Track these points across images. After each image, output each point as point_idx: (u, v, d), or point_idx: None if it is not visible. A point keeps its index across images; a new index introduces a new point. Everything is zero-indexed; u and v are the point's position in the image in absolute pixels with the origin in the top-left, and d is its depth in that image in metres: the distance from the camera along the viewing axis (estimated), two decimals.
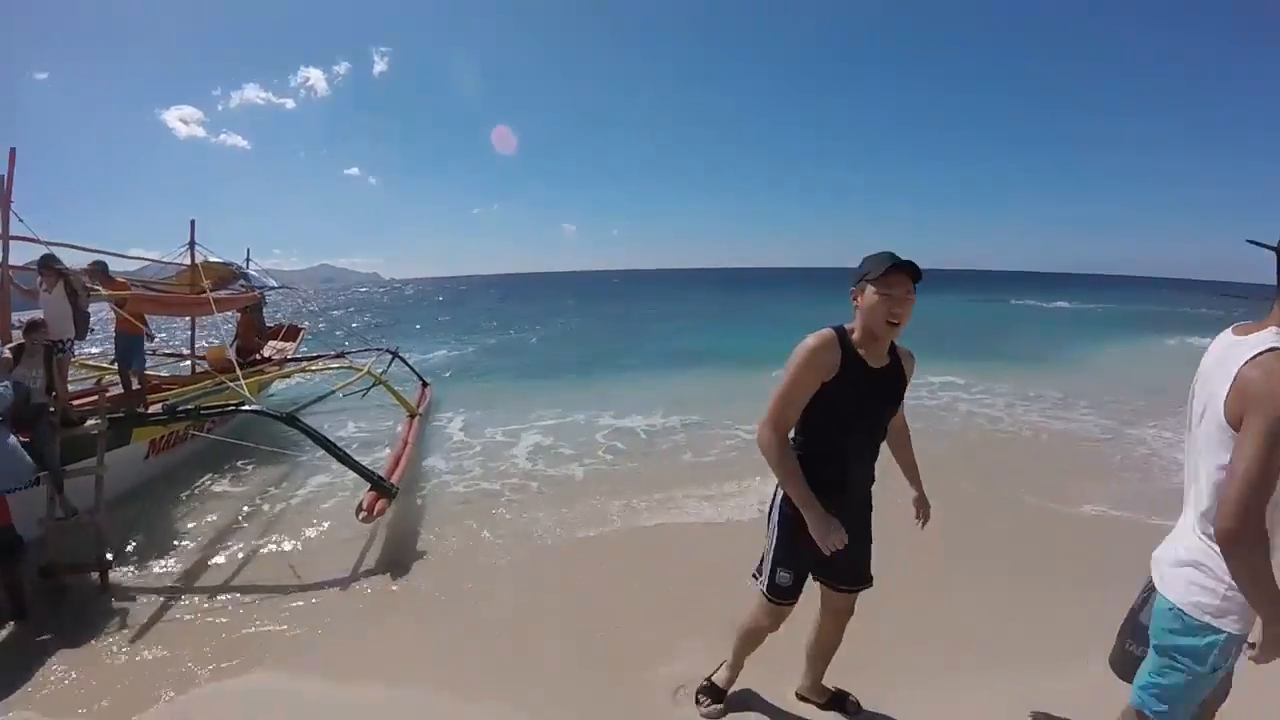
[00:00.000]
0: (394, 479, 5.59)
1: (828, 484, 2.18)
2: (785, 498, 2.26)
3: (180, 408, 6.26)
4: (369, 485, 5.29)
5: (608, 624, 3.91)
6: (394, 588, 4.57)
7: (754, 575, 2.51)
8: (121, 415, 5.70)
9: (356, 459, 5.57)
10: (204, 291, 7.66)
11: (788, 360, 2.12)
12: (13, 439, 4.18)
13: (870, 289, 2.06)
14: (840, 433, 2.18)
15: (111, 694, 3.51)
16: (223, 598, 4.48)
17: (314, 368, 10.11)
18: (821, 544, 2.09)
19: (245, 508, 6.19)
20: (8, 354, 4.58)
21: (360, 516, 4.93)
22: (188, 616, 4.26)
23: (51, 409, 4.89)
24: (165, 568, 4.93)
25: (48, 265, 5.49)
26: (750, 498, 5.96)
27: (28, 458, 4.21)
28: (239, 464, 7.24)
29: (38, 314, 5.17)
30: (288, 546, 5.27)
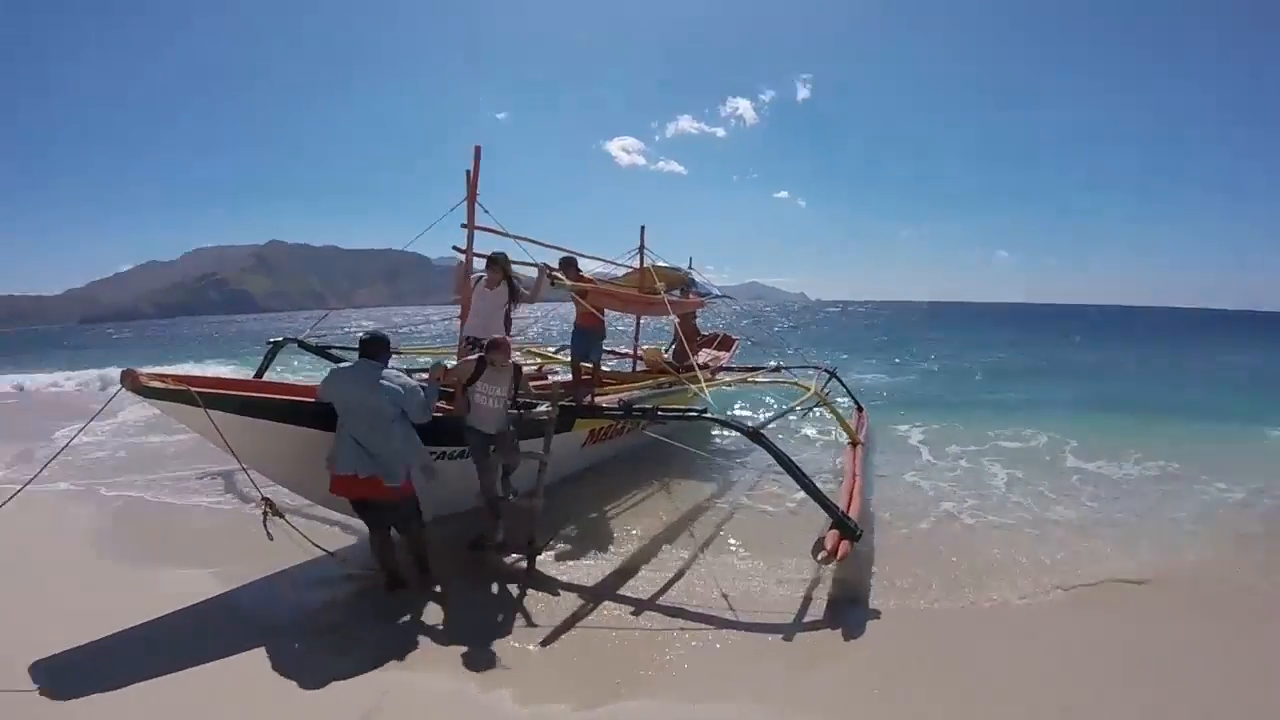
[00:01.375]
0: (851, 515, 4.52)
1: None
2: None
3: (636, 405, 6.05)
4: (830, 523, 4.38)
5: None
6: (840, 643, 3.76)
7: None
8: (571, 404, 5.85)
9: (821, 490, 4.67)
10: (656, 293, 7.78)
11: None
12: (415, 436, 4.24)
13: None
14: None
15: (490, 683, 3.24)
16: (648, 614, 4.05)
17: (754, 379, 9.71)
18: None
19: (683, 518, 5.81)
20: (444, 365, 4.70)
21: (819, 556, 4.15)
22: (602, 626, 3.90)
23: (514, 428, 4.90)
24: (592, 566, 4.74)
25: (495, 261, 5.77)
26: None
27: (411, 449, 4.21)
28: (677, 468, 7.01)
29: (498, 335, 5.10)
30: (724, 571, 4.67)
